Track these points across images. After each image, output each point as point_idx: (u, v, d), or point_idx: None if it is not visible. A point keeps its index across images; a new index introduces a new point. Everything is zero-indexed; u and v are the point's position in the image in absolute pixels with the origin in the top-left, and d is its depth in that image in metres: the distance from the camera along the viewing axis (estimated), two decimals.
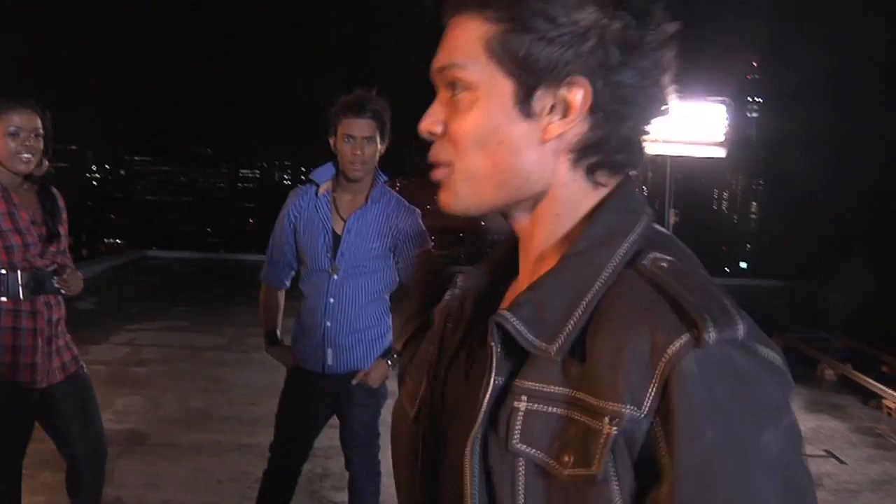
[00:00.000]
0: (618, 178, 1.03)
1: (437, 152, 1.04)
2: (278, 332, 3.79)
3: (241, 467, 5.08)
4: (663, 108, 1.02)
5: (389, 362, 3.63)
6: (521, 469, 0.93)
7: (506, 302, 1.08)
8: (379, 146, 3.50)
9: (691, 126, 8.10)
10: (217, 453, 5.45)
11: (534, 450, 0.92)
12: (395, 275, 3.68)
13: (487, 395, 0.96)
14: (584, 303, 0.94)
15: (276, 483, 3.74)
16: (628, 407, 0.86)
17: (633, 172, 1.05)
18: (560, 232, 1.03)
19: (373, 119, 3.45)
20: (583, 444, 0.89)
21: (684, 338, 0.86)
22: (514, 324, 0.95)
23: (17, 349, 3.38)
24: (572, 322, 0.94)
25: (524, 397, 0.94)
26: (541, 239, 1.05)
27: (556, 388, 0.93)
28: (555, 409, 0.92)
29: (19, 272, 3.37)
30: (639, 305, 0.91)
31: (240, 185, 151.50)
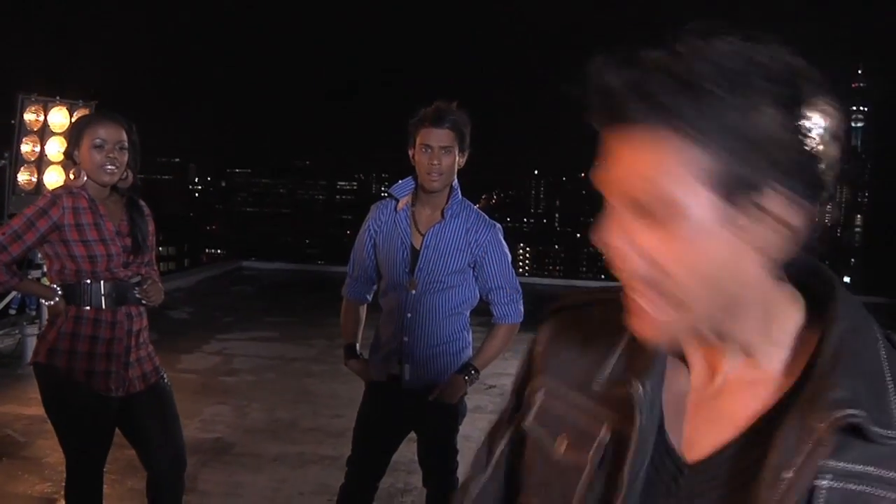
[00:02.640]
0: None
1: (642, 272, 0.96)
2: (358, 346, 3.75)
3: (323, 480, 5.06)
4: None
5: (467, 378, 3.55)
6: None
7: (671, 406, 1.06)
8: (458, 158, 3.45)
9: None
10: (300, 465, 5.45)
11: None
12: (475, 290, 3.62)
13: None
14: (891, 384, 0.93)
15: (352, 498, 3.71)
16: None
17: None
18: (787, 354, 1.00)
19: (451, 130, 3.39)
20: None
21: None
22: (861, 416, 0.89)
23: (94, 357, 3.42)
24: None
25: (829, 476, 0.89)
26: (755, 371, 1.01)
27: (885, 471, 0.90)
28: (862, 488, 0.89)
29: (102, 282, 3.43)
30: None
31: (338, 196, 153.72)
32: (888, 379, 0.92)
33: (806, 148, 0.89)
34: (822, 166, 0.91)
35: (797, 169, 0.89)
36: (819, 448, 0.89)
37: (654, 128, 0.90)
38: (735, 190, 0.90)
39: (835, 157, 0.91)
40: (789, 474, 0.88)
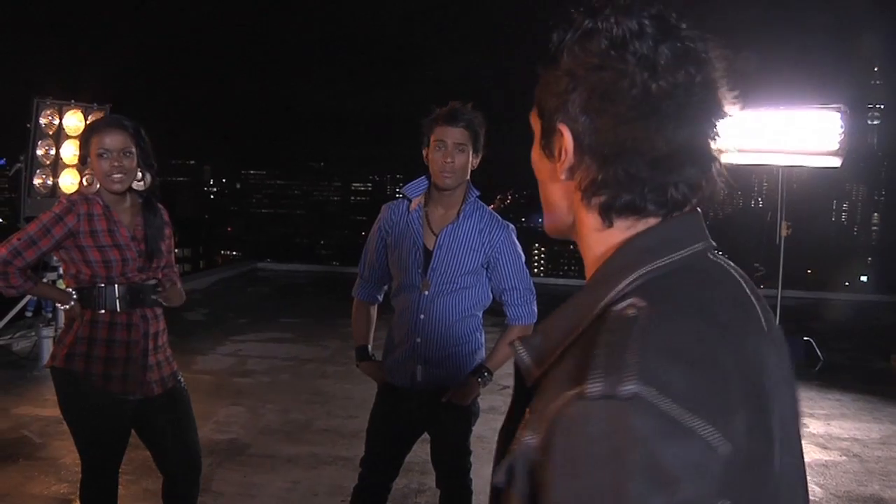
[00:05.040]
0: (645, 221, 1.09)
1: None
2: (369, 348, 3.75)
3: (337, 481, 5.08)
4: (666, 146, 1.04)
5: (480, 380, 3.54)
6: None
7: None
8: (471, 157, 3.44)
9: (803, 135, 7.75)
10: (314, 465, 5.47)
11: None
12: (488, 291, 3.61)
13: (510, 406, 1.19)
14: (569, 338, 1.03)
15: (365, 499, 3.70)
16: (528, 435, 0.97)
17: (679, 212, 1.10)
18: (590, 267, 1.13)
19: (466, 128, 3.39)
20: (503, 456, 1.04)
21: (577, 388, 0.91)
22: (520, 350, 1.10)
23: (110, 360, 3.44)
24: (557, 354, 1.04)
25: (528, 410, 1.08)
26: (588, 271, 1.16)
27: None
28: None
29: (116, 286, 3.44)
30: (575, 350, 1.00)
31: (352, 198, 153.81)
32: (572, 337, 1.04)
33: (596, 98, 1.06)
34: (607, 123, 1.06)
35: (584, 117, 1.07)
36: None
37: (540, 69, 1.15)
38: (545, 120, 1.14)
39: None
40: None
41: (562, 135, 1.09)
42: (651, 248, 1.05)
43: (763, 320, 1.10)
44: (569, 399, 0.91)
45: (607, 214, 1.09)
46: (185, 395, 3.73)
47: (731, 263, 1.13)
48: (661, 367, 0.90)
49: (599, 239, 1.11)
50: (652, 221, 1.08)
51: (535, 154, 1.18)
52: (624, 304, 0.98)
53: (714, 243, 1.11)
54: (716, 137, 1.08)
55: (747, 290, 1.11)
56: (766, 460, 0.96)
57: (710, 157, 1.08)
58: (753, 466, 0.93)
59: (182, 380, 3.73)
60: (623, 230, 1.09)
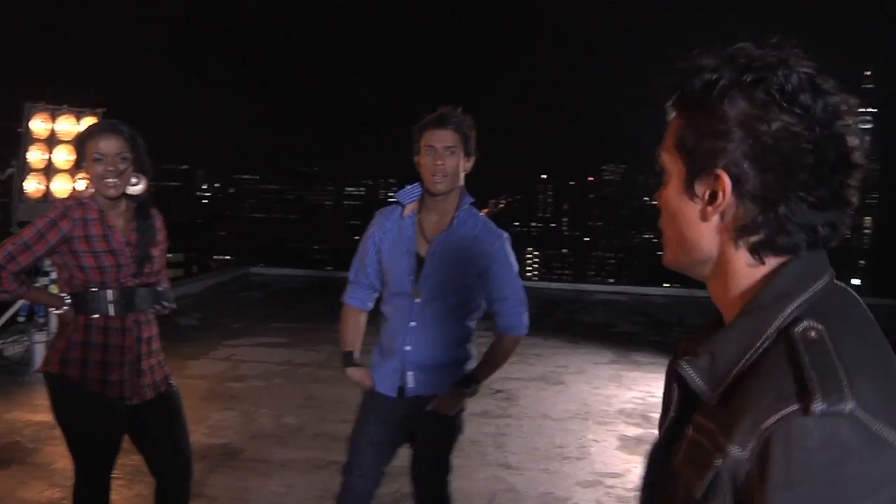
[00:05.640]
0: (787, 257, 1.19)
1: (660, 219, 1.31)
2: (356, 354, 3.68)
3: (330, 485, 5.02)
4: (826, 193, 1.16)
5: (467, 390, 3.53)
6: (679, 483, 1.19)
7: None
8: (462, 161, 3.43)
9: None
10: (307, 470, 5.46)
11: (687, 471, 1.16)
12: (481, 300, 3.58)
13: (666, 424, 1.31)
14: (744, 359, 1.14)
15: None
16: (736, 448, 1.06)
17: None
18: (734, 298, 1.23)
19: (455, 131, 3.38)
20: (701, 469, 1.12)
21: (795, 405, 1.03)
22: (689, 372, 1.19)
23: (107, 365, 3.45)
24: (734, 374, 1.14)
25: (691, 428, 1.19)
26: (724, 305, 1.26)
27: (711, 423, 1.14)
28: (704, 440, 1.14)
29: (110, 290, 3.44)
30: (773, 369, 1.09)
31: (346, 202, 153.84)
32: (745, 358, 1.15)
33: (760, 145, 1.14)
34: (772, 171, 1.15)
35: (749, 162, 1.15)
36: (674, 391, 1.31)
37: (676, 111, 1.25)
38: (696, 163, 1.20)
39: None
40: None
41: (718, 178, 1.17)
42: (804, 276, 1.17)
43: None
44: (789, 415, 1.03)
45: (761, 252, 1.19)
46: (178, 399, 3.73)
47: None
48: (859, 385, 1.04)
49: (749, 273, 1.21)
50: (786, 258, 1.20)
51: (672, 193, 1.25)
52: (801, 327, 1.11)
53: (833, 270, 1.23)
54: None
55: (867, 308, 1.22)
56: None
57: (848, 200, 1.19)
58: None
59: (174, 384, 3.72)
60: (772, 264, 1.20)
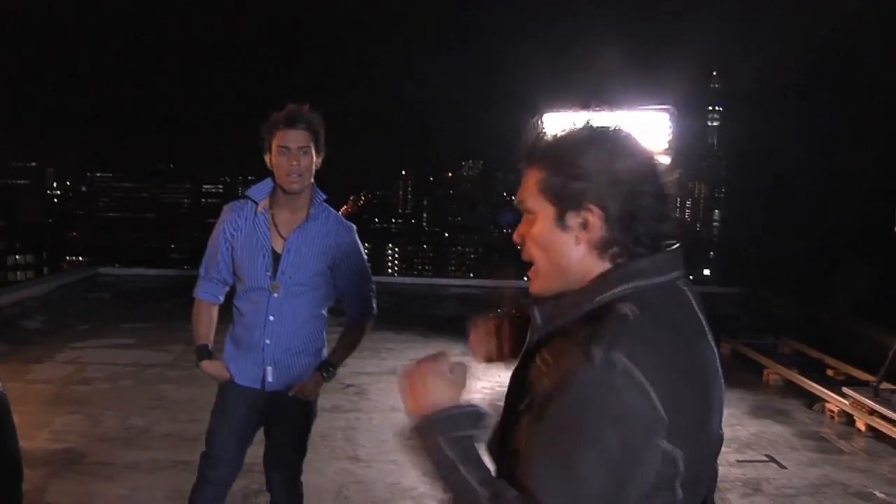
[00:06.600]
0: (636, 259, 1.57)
1: (525, 254, 1.64)
2: (210, 347, 3.68)
3: (177, 485, 5.02)
4: (663, 214, 1.58)
5: (325, 374, 3.60)
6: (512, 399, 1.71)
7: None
8: (314, 158, 3.48)
9: (635, 135, 8.10)
10: (153, 471, 5.40)
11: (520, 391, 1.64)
12: (332, 290, 3.66)
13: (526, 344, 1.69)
14: (571, 314, 1.55)
15: (205, 497, 3.68)
16: (546, 381, 1.51)
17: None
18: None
19: (307, 130, 3.43)
20: (528, 390, 1.59)
21: (584, 352, 1.43)
22: (536, 312, 1.62)
23: None
24: (562, 321, 1.56)
25: (537, 357, 1.61)
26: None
27: (545, 356, 1.57)
28: (540, 366, 1.58)
29: None
30: (586, 326, 1.49)
31: (203, 200, 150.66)
32: (578, 312, 1.55)
33: (623, 184, 1.53)
34: (636, 203, 1.54)
35: (613, 197, 1.53)
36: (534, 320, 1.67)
37: (532, 166, 1.62)
38: (565, 202, 1.55)
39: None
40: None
41: (590, 210, 1.53)
42: (642, 270, 1.53)
43: (705, 327, 1.58)
44: (577, 358, 1.42)
45: (619, 260, 1.55)
46: (5, 403, 3.63)
47: (692, 288, 1.60)
48: (640, 351, 1.41)
49: (602, 267, 1.56)
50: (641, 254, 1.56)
51: (544, 229, 1.59)
52: (623, 306, 1.46)
53: (686, 273, 1.60)
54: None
55: (696, 308, 1.58)
56: (704, 424, 1.52)
57: (672, 213, 1.60)
58: (694, 427, 1.48)
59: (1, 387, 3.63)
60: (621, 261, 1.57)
